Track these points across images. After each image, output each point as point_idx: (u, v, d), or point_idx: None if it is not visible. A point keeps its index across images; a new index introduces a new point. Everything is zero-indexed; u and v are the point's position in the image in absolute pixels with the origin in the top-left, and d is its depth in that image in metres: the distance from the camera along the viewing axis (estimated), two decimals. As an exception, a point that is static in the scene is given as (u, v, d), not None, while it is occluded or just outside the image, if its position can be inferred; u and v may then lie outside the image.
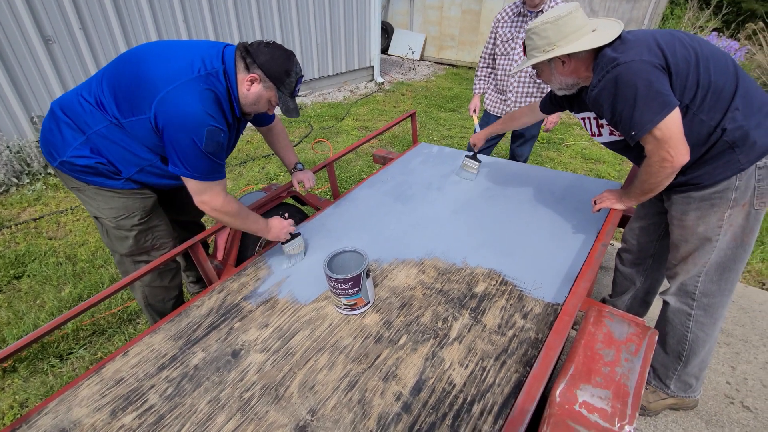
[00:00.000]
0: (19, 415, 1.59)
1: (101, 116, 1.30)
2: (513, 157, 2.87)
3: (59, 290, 2.08)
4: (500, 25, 2.43)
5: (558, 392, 0.93)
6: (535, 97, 2.51)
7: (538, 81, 2.45)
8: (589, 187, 1.98)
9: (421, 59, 8.83)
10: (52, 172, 3.28)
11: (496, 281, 1.47)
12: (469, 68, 8.24)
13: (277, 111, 4.18)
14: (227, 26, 4.55)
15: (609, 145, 1.51)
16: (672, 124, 1.15)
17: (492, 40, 2.51)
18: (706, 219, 1.31)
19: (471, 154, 2.14)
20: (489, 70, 2.63)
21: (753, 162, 1.21)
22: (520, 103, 2.52)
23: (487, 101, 2.70)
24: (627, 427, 0.85)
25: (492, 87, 2.65)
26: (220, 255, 1.78)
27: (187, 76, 1.22)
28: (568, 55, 1.29)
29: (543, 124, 2.64)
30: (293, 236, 1.63)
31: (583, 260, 1.49)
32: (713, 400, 1.61)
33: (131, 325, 1.91)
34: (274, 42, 1.34)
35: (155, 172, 1.40)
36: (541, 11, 2.27)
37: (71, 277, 2.16)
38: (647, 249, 1.69)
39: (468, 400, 1.09)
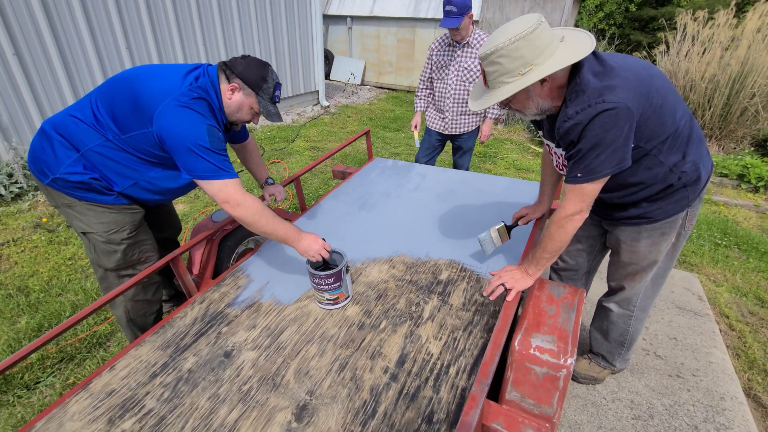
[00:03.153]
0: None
1: (96, 134, 1.37)
2: (455, 167, 3.20)
3: (13, 322, 1.94)
4: (434, 53, 2.78)
5: (516, 342, 1.16)
6: (469, 115, 2.87)
7: (487, 111, 2.83)
8: (523, 188, 2.32)
9: (362, 84, 9.25)
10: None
11: (457, 269, 1.70)
12: (408, 92, 8.79)
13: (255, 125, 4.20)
14: (171, 54, 4.53)
15: None
16: (603, 182, 1.16)
17: (429, 66, 2.85)
18: (657, 246, 1.41)
19: (505, 225, 1.63)
20: (428, 90, 2.96)
21: (697, 196, 1.33)
22: (456, 120, 2.87)
23: (428, 119, 3.02)
24: (569, 360, 1.09)
25: (432, 106, 2.98)
26: (196, 269, 1.82)
27: (180, 89, 1.33)
28: None
29: (478, 138, 3.01)
30: (327, 263, 1.49)
31: (524, 245, 1.78)
32: (634, 354, 1.95)
33: (102, 349, 1.85)
34: (249, 55, 1.49)
35: (146, 187, 1.46)
36: (467, 43, 2.63)
37: (26, 308, 2.02)
38: (584, 266, 1.78)
39: (445, 364, 1.28)
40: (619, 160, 1.12)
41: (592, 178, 1.14)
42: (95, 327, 1.92)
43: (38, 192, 3.22)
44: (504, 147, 5.32)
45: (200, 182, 1.36)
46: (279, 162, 4.37)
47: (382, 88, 9.19)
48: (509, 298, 1.35)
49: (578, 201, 1.19)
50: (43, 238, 2.62)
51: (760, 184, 4.07)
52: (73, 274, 2.33)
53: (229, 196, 1.36)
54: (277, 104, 1.51)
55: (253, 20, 5.36)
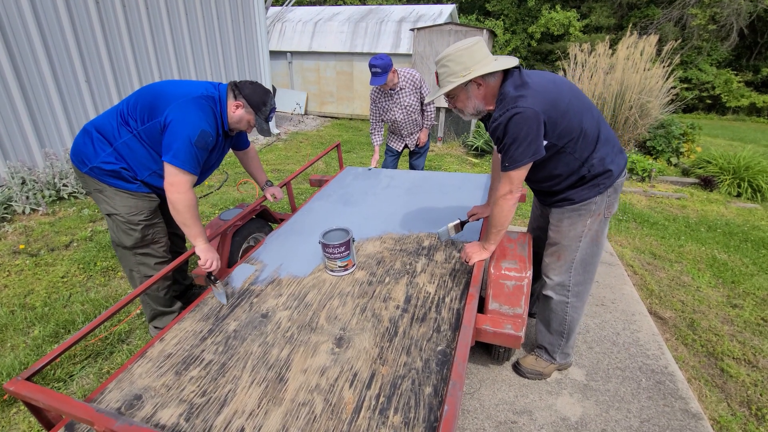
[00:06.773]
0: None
1: (125, 130, 1.67)
2: (411, 167, 3.69)
3: (26, 333, 1.96)
4: (377, 100, 3.25)
5: (492, 267, 1.61)
6: (417, 131, 3.40)
7: (423, 123, 3.36)
8: (473, 180, 2.86)
9: (306, 114, 9.70)
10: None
11: (434, 238, 2.13)
12: (350, 119, 9.39)
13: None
14: (130, 86, 4.63)
15: None
16: (526, 169, 1.47)
17: (377, 111, 3.31)
18: (575, 224, 1.64)
19: (461, 221, 2.00)
20: (380, 125, 3.40)
21: (609, 186, 1.59)
22: (411, 139, 3.39)
23: (390, 142, 3.52)
24: (528, 272, 1.56)
25: (390, 133, 3.48)
26: (212, 262, 2.05)
27: (194, 94, 1.65)
28: (483, 77, 1.45)
29: (416, 142, 3.50)
30: (214, 279, 1.74)
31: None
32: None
33: (125, 345, 1.96)
34: (257, 82, 1.84)
35: (162, 175, 1.73)
36: (400, 88, 3.11)
37: (35, 320, 2.04)
38: None
39: (441, 297, 1.68)
40: (534, 151, 1.42)
41: (516, 166, 1.44)
42: (113, 327, 2.02)
43: (3, 223, 3.18)
44: (445, 160, 6.02)
45: (167, 165, 1.59)
46: (249, 181, 4.58)
47: (326, 116, 9.70)
48: (471, 264, 1.70)
49: (508, 184, 1.50)
50: (27, 262, 2.59)
51: (644, 174, 5.13)
52: (72, 288, 2.36)
53: (180, 182, 1.61)
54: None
55: (206, 59, 5.62)
